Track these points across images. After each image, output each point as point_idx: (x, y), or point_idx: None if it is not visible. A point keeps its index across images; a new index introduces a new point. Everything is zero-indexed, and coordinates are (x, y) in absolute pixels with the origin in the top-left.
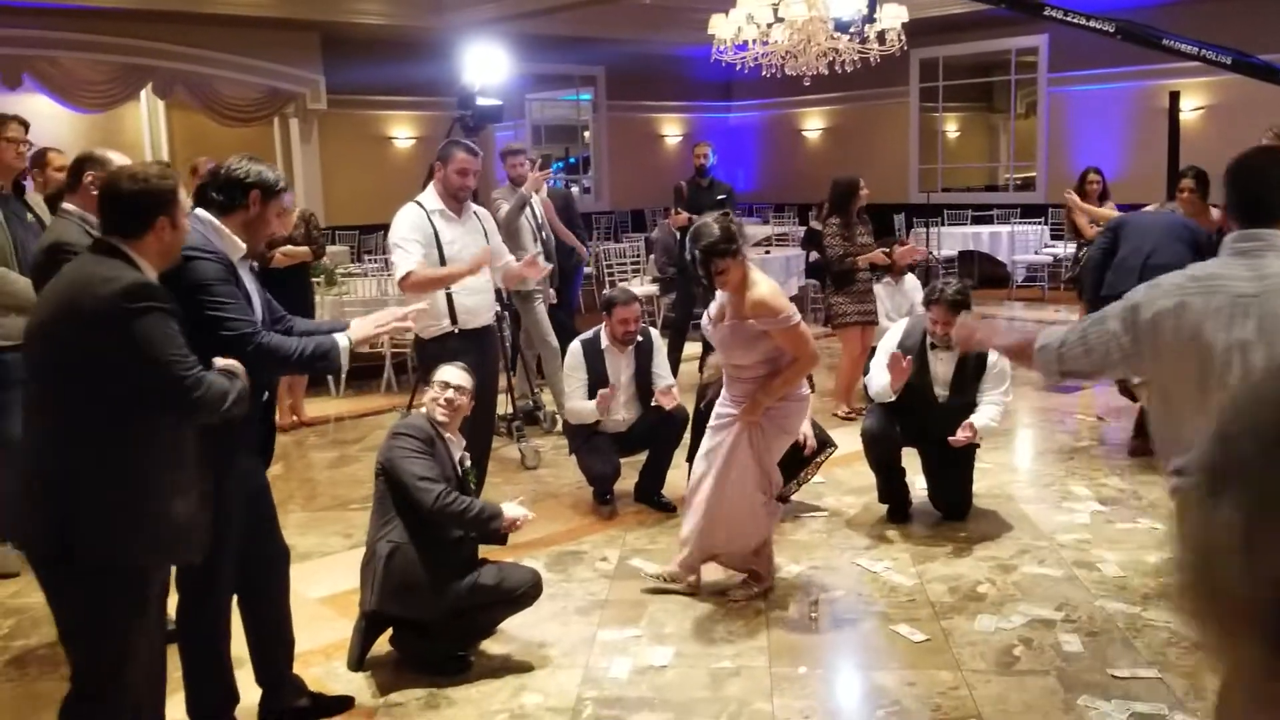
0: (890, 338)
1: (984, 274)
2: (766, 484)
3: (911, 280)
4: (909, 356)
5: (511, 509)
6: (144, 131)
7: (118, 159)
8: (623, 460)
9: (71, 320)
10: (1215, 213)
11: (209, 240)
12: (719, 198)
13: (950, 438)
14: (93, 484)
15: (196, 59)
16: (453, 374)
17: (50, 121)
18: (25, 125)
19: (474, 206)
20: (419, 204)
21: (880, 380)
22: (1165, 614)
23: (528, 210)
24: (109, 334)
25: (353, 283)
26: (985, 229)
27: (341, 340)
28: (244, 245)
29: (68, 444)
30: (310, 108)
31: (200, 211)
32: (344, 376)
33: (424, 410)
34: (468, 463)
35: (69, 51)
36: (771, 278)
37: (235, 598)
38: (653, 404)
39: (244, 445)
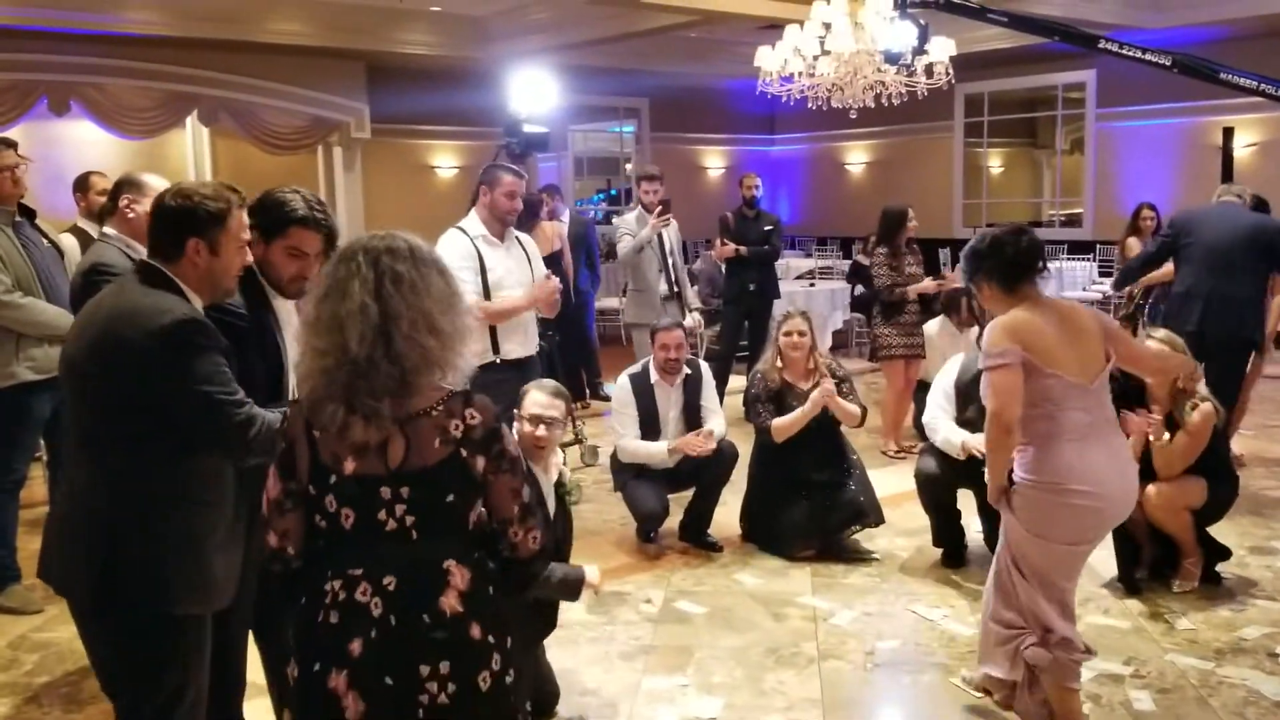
0: (947, 374)
1: None
2: (1011, 603)
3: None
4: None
5: (591, 572)
6: (188, 159)
7: (156, 183)
8: (670, 496)
9: (113, 354)
10: None
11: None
12: (766, 229)
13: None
14: (138, 528)
15: (241, 87)
16: (541, 401)
17: (96, 148)
18: (13, 145)
19: (516, 233)
20: (462, 230)
21: (947, 433)
22: (1242, 670)
23: (653, 242)
24: (152, 371)
25: None
26: None
27: None
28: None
29: (111, 486)
30: (354, 136)
31: None
32: None
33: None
34: (565, 478)
35: (115, 79)
36: (821, 310)
37: None
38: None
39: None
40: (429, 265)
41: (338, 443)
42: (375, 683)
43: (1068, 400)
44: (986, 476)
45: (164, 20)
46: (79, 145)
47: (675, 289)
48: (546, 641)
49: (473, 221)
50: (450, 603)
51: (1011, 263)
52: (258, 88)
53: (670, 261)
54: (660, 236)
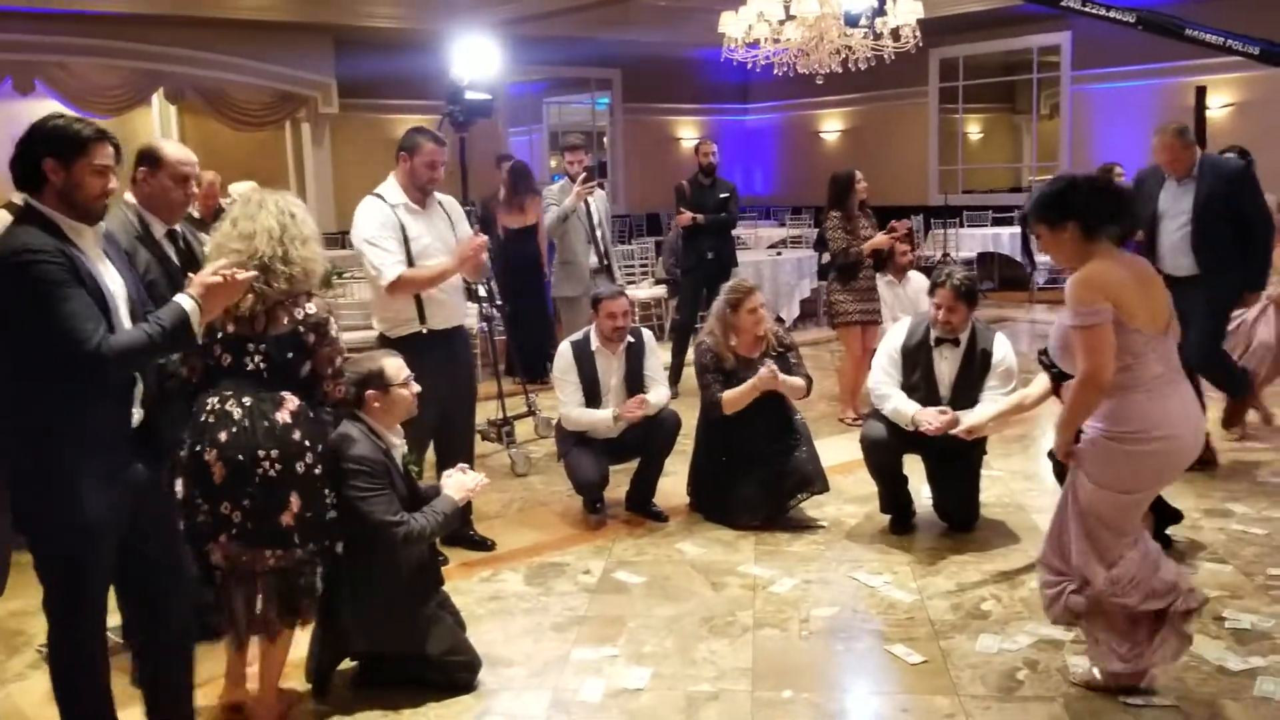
0: (893, 337)
1: (1004, 276)
2: (1061, 550)
3: (918, 279)
4: (964, 429)
5: (455, 484)
6: (156, 137)
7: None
8: (614, 468)
9: None
10: None
11: (41, 240)
12: (722, 196)
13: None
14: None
15: (208, 63)
16: (395, 364)
17: None
18: None
19: (439, 196)
20: (379, 197)
21: (897, 403)
22: None
23: (580, 212)
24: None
25: (350, 286)
26: (1005, 230)
27: (185, 302)
28: (79, 222)
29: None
30: (322, 111)
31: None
32: None
33: (361, 420)
34: (405, 451)
35: (80, 57)
36: (788, 279)
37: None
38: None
39: (108, 442)
40: (308, 213)
41: (226, 313)
42: (232, 457)
43: (1146, 352)
44: (1056, 432)
45: None
46: None
47: (605, 261)
48: (479, 614)
49: (391, 188)
50: (283, 416)
51: (1103, 205)
52: (224, 64)
53: (599, 234)
54: (587, 207)
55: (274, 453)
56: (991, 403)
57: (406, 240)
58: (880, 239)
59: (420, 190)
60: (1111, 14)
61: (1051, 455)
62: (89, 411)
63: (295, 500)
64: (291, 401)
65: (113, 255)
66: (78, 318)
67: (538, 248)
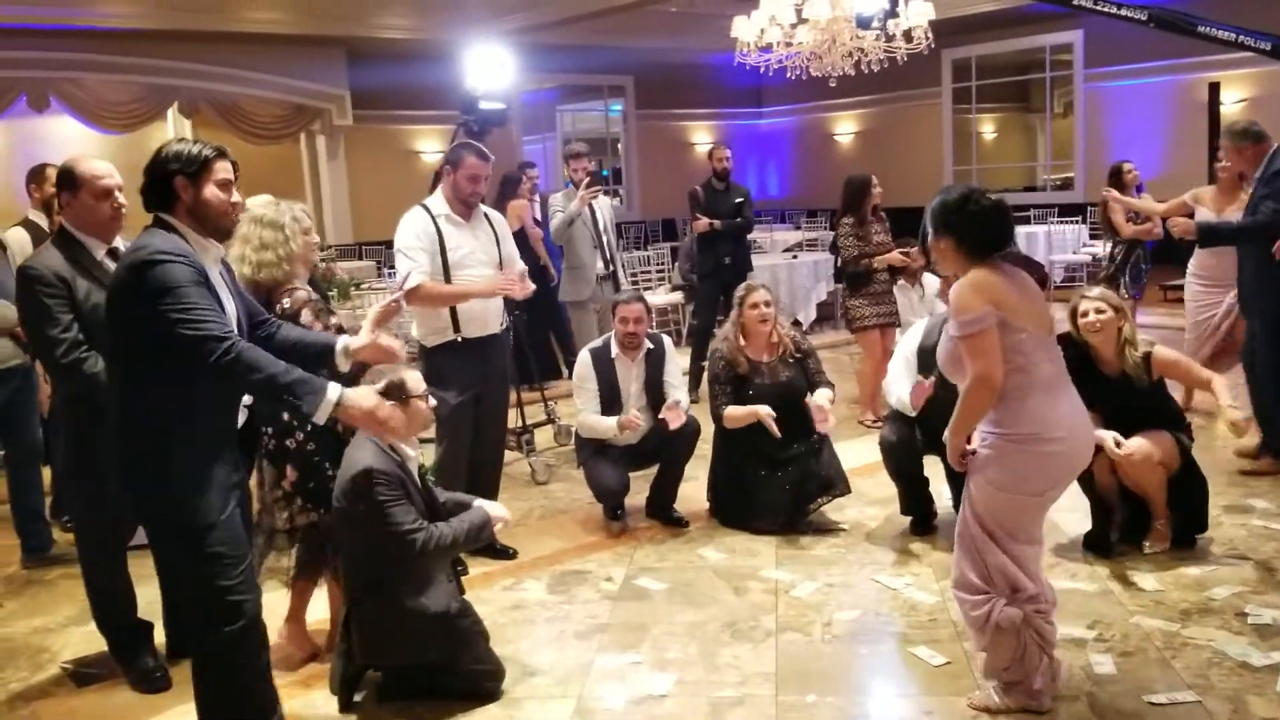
0: (909, 340)
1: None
2: (978, 568)
3: (931, 281)
4: (932, 378)
5: (496, 508)
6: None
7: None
8: (634, 474)
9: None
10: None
11: (177, 244)
12: (737, 201)
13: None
14: None
15: (221, 77)
16: (415, 377)
17: (78, 144)
18: None
19: (485, 209)
20: (425, 208)
21: (899, 392)
22: (1208, 631)
23: (587, 217)
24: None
25: (368, 297)
26: (1022, 229)
27: (333, 392)
28: (217, 245)
29: None
30: (336, 124)
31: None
32: None
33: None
34: (423, 465)
35: (94, 73)
36: (804, 282)
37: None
38: (659, 417)
39: (221, 444)
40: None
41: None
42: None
43: (1037, 353)
44: (948, 438)
45: (142, 13)
46: (61, 141)
47: (610, 267)
48: (502, 622)
49: (437, 200)
50: None
51: (984, 229)
52: (238, 78)
53: (605, 239)
54: (593, 212)
55: (269, 429)
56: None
57: (445, 250)
58: (893, 256)
59: (463, 203)
60: (1124, 12)
61: (950, 475)
62: (205, 414)
63: (291, 471)
64: None
65: (228, 280)
66: (210, 317)
67: (533, 253)
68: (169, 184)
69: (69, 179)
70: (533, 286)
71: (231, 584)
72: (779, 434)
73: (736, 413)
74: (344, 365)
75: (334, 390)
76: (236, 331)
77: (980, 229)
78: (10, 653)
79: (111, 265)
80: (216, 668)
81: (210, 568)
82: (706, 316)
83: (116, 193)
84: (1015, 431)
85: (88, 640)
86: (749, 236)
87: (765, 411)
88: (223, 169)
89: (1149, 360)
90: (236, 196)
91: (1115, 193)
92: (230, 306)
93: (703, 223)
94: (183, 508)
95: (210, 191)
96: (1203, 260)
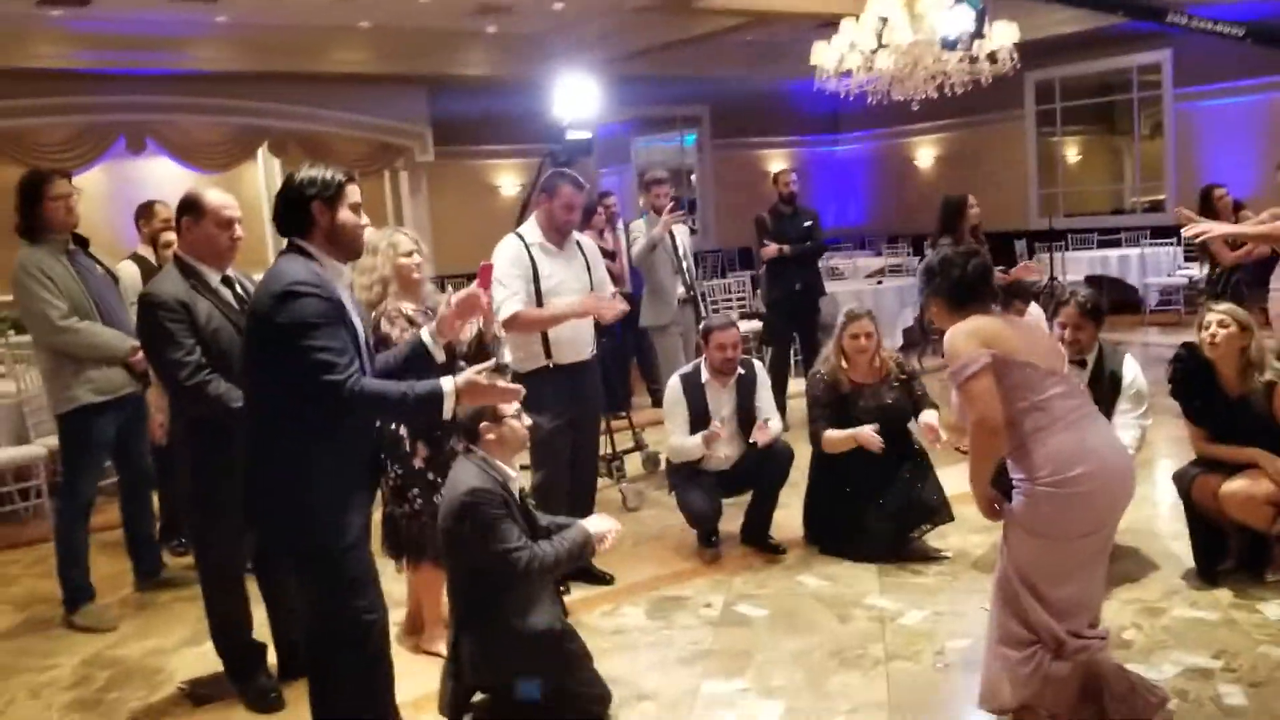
0: None
1: (1114, 299)
2: (1020, 619)
3: (1035, 311)
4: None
5: (596, 524)
6: (261, 191)
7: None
8: (727, 500)
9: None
10: None
11: (315, 273)
12: (805, 225)
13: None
14: None
15: (309, 117)
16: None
17: (173, 184)
18: (67, 176)
19: (577, 236)
20: (519, 236)
21: None
22: None
23: (667, 243)
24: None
25: None
26: (1114, 253)
27: (447, 384)
28: (344, 267)
29: None
30: (419, 160)
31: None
32: None
33: (474, 453)
34: (524, 488)
35: (188, 115)
36: (890, 308)
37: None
38: (750, 440)
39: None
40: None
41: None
42: None
43: (1047, 387)
44: (971, 489)
45: (232, 56)
46: (159, 182)
47: (691, 291)
48: (604, 647)
49: (531, 229)
50: None
51: (958, 283)
52: (325, 117)
53: (685, 265)
54: (673, 238)
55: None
56: (1125, 429)
57: (538, 278)
58: (1017, 270)
59: (558, 231)
60: (1218, 27)
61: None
62: (344, 436)
63: (422, 448)
64: None
65: (352, 300)
66: (334, 353)
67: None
68: (306, 209)
69: (194, 206)
70: (624, 306)
71: (364, 604)
72: (882, 445)
73: (835, 436)
74: (439, 352)
75: (446, 383)
76: (364, 351)
77: (956, 283)
78: (126, 673)
79: (226, 291)
80: (342, 689)
81: (345, 589)
82: (780, 346)
83: (236, 225)
84: (1040, 475)
85: (202, 661)
86: (821, 263)
87: (866, 431)
88: (354, 193)
89: (1272, 391)
90: (365, 219)
91: (1196, 218)
92: (360, 328)
93: (771, 249)
94: (323, 530)
95: (345, 215)
96: None
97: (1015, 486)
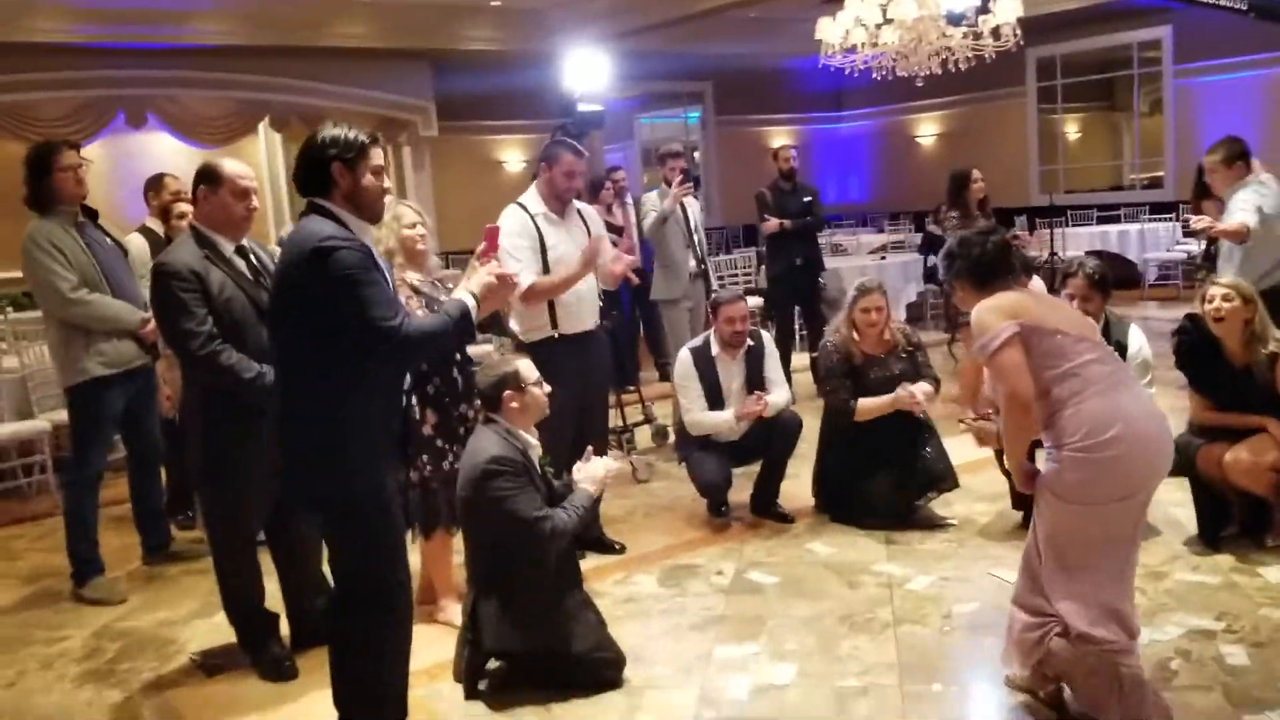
0: None
1: (1113, 274)
2: (1035, 591)
3: (1036, 283)
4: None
5: (591, 473)
6: (263, 165)
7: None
8: (737, 470)
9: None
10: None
11: (340, 229)
12: (805, 200)
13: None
14: None
15: (311, 91)
16: (528, 364)
17: (174, 158)
18: (75, 147)
19: (578, 204)
20: (521, 206)
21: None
22: None
23: (679, 216)
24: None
25: None
26: (1113, 228)
27: (467, 298)
28: (370, 224)
29: None
30: (422, 135)
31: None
32: None
33: (496, 422)
34: (541, 454)
35: (189, 89)
36: (894, 283)
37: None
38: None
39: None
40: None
41: None
42: None
43: (1080, 352)
44: (1009, 464)
45: (233, 30)
46: (158, 156)
47: (702, 265)
48: (618, 615)
49: (532, 198)
50: None
51: (978, 262)
52: (327, 92)
53: (696, 238)
54: (684, 212)
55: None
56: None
57: (544, 249)
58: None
59: (559, 200)
60: (1222, 2)
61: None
62: (377, 392)
63: (431, 415)
64: None
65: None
66: (381, 301)
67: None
68: (326, 170)
69: (212, 175)
70: (632, 258)
71: (394, 568)
72: (925, 397)
73: (871, 404)
74: (477, 313)
75: (466, 296)
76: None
77: (977, 261)
78: (138, 645)
79: (240, 262)
80: (367, 653)
81: (376, 549)
82: (784, 319)
83: (253, 195)
84: (1073, 441)
85: (213, 633)
86: (825, 239)
87: (904, 393)
88: (376, 155)
89: (1275, 362)
90: (388, 183)
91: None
92: (390, 283)
93: (772, 223)
94: (359, 480)
95: (366, 178)
96: None
97: (1048, 454)
